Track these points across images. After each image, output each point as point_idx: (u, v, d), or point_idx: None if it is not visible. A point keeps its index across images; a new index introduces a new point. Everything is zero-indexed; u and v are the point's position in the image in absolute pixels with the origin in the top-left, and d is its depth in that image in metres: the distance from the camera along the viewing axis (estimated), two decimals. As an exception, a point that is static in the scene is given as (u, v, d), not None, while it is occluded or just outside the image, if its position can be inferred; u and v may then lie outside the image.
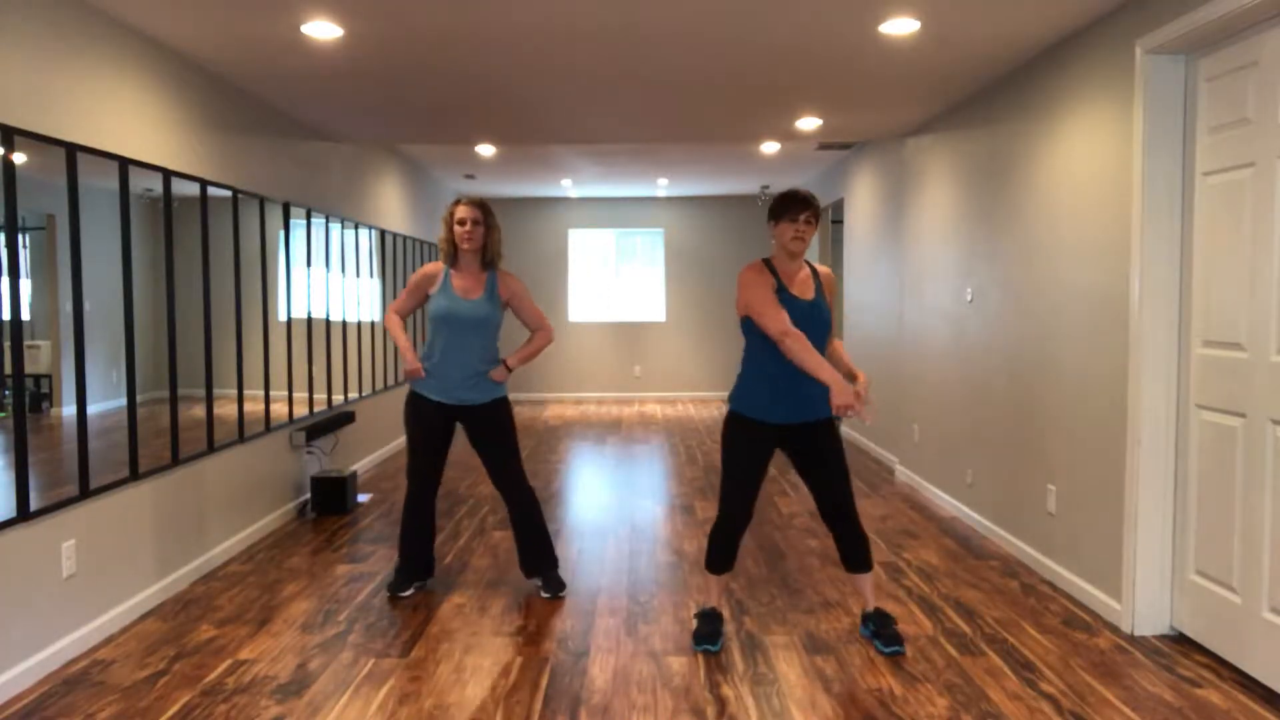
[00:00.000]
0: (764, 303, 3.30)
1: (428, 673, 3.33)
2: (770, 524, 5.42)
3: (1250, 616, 3.17)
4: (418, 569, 4.16)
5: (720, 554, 3.55)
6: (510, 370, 4.01)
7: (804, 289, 3.45)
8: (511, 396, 12.03)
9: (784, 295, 3.39)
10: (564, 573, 4.37)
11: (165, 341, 4.24)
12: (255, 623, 3.83)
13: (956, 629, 3.72)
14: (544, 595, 4.12)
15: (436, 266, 4.04)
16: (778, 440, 3.48)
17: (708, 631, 3.54)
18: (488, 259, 4.01)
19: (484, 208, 3.97)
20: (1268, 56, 3.06)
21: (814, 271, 3.53)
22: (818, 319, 3.42)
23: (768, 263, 3.46)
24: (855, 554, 3.53)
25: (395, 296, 8.00)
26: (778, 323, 3.26)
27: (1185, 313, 3.52)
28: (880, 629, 3.53)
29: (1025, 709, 3.01)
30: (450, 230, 3.95)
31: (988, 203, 5.15)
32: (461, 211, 3.93)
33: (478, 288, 4.00)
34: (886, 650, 3.47)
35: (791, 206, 3.37)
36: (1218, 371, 3.34)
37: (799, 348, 3.22)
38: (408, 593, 4.13)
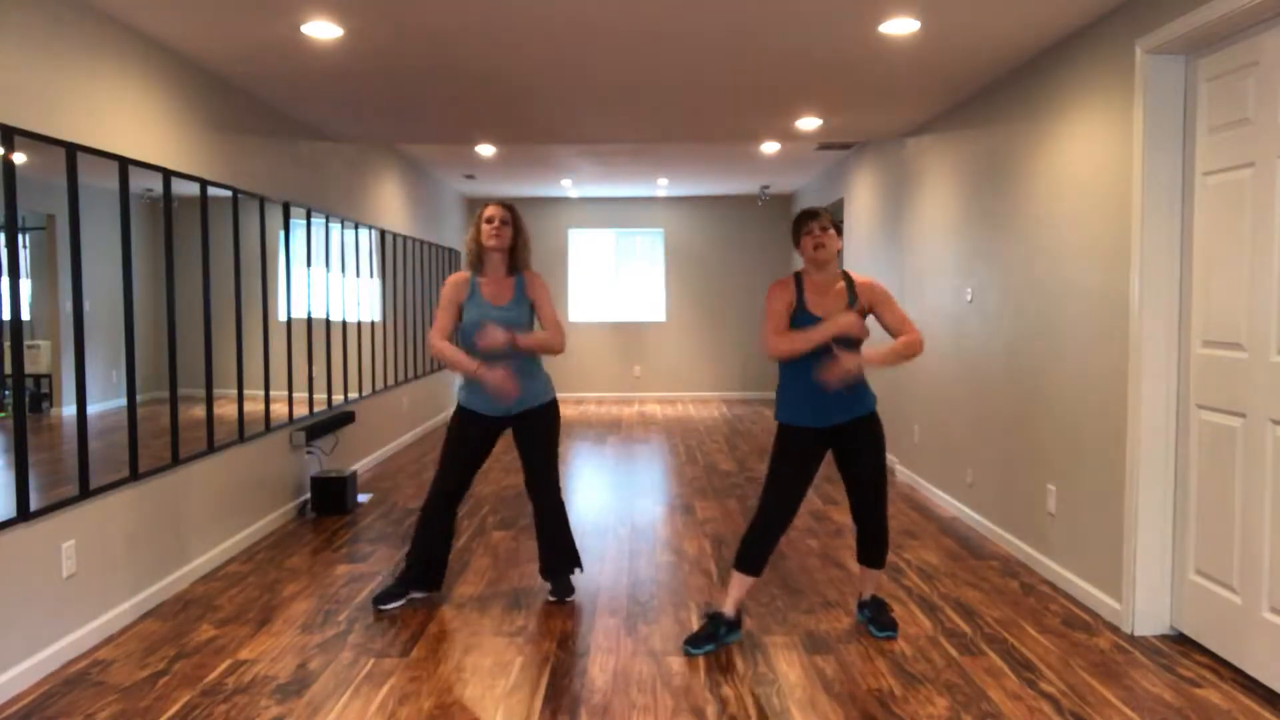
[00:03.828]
0: (766, 321, 3.48)
1: (428, 673, 3.33)
2: (770, 524, 5.42)
3: (1250, 616, 3.17)
4: (421, 579, 4.02)
5: (755, 553, 3.49)
6: (515, 343, 3.78)
7: (832, 304, 3.47)
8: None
9: (801, 312, 3.46)
10: (564, 573, 4.37)
11: (165, 341, 4.24)
12: (255, 623, 3.83)
13: (956, 629, 3.72)
14: (550, 599, 4.08)
15: (463, 275, 3.96)
16: (823, 444, 3.54)
17: (703, 635, 3.51)
18: (514, 263, 3.95)
19: (513, 210, 3.95)
20: (1268, 56, 3.06)
21: (851, 285, 3.52)
22: (844, 336, 3.40)
23: (798, 276, 3.54)
24: (873, 551, 3.66)
25: (395, 297, 8.01)
26: (767, 341, 3.47)
27: (1185, 313, 3.52)
28: (876, 614, 3.68)
29: (1025, 709, 3.01)
30: (478, 229, 3.90)
31: (988, 203, 5.15)
32: (490, 210, 3.90)
33: (506, 292, 3.92)
34: (880, 634, 3.62)
35: (804, 221, 3.50)
36: (1218, 371, 3.34)
37: (784, 344, 3.40)
38: (398, 604, 3.99)
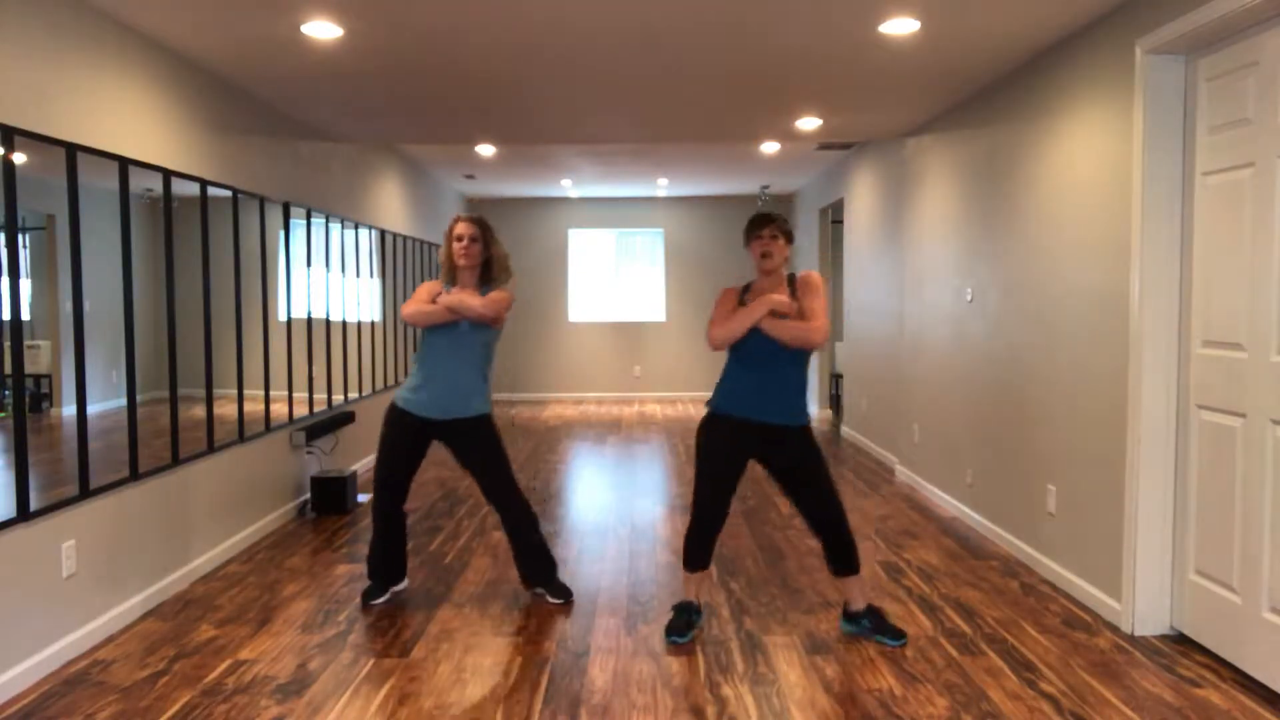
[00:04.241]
0: (714, 319, 3.55)
1: (428, 673, 3.33)
2: (770, 524, 5.42)
3: (1250, 616, 3.17)
4: (390, 575, 4.09)
5: (694, 552, 3.62)
6: (437, 300, 3.83)
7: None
8: (511, 396, 12.04)
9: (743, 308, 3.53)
10: (564, 573, 4.36)
11: (165, 341, 4.24)
12: (255, 623, 3.83)
13: (956, 629, 3.72)
14: (551, 601, 4.07)
15: (437, 284, 3.99)
16: (751, 445, 3.54)
17: (681, 624, 3.61)
18: (488, 277, 3.97)
19: (482, 225, 3.95)
20: (1268, 56, 3.06)
21: (792, 283, 3.57)
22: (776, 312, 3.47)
23: (748, 287, 3.62)
24: (844, 555, 3.60)
25: (395, 297, 8.02)
26: (709, 332, 3.52)
27: (1185, 313, 3.52)
28: (879, 624, 3.60)
29: (1025, 709, 3.01)
30: (449, 245, 3.93)
31: (988, 203, 5.15)
32: (460, 228, 3.91)
33: None
34: (894, 644, 3.54)
35: (754, 226, 3.56)
36: (1218, 371, 3.34)
37: (723, 330, 3.47)
38: (383, 599, 4.06)
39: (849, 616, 3.68)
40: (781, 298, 3.45)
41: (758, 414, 3.49)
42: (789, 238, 3.55)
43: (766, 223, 3.53)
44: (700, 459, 3.58)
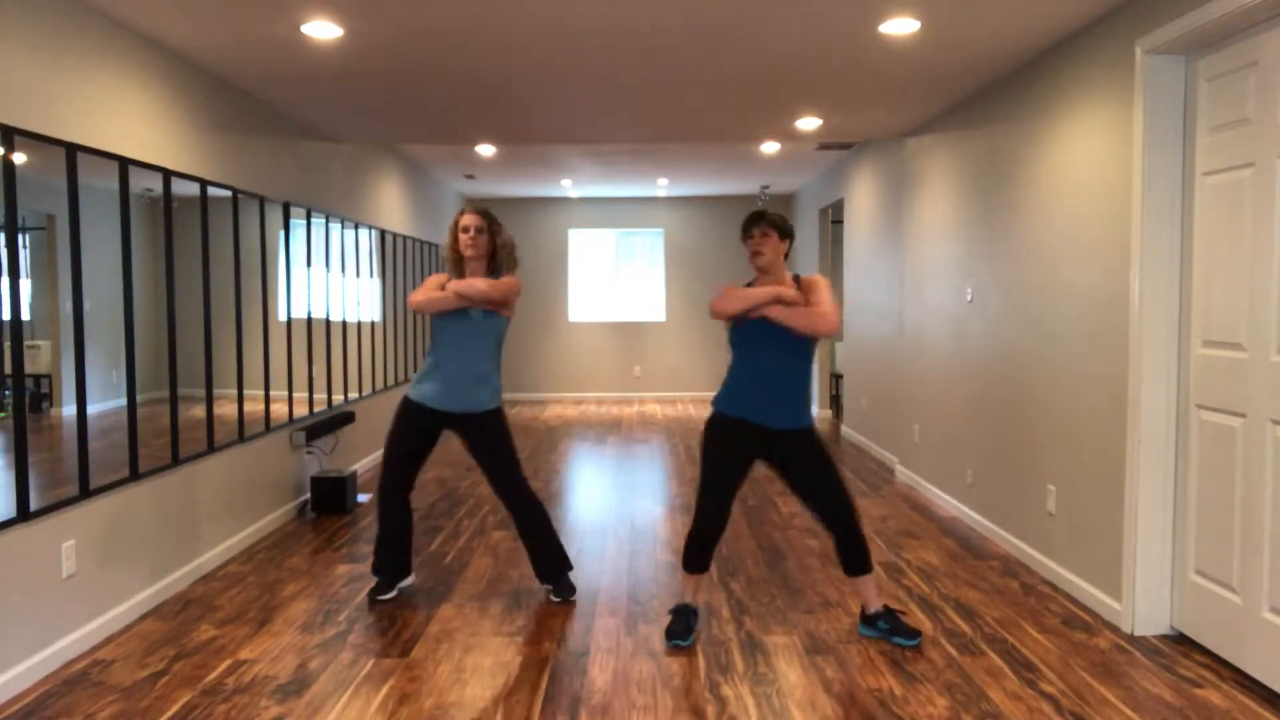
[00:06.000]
0: (716, 298, 3.57)
1: (428, 673, 3.33)
2: (770, 524, 5.42)
3: (1250, 616, 3.17)
4: (397, 571, 4.13)
5: (694, 555, 3.59)
6: (475, 287, 3.82)
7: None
8: (511, 396, 12.03)
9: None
10: (564, 573, 4.37)
11: (165, 341, 4.24)
12: (255, 623, 3.83)
13: (956, 629, 3.72)
14: (554, 599, 4.09)
15: (444, 276, 4.02)
16: (759, 447, 3.53)
17: (680, 628, 3.59)
18: (494, 268, 3.99)
19: (488, 216, 3.97)
20: (1268, 56, 3.06)
21: (799, 285, 3.55)
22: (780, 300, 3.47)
23: (749, 285, 3.61)
24: (858, 556, 3.57)
25: (395, 297, 8.02)
26: (712, 304, 3.53)
27: (1185, 313, 3.52)
28: (894, 624, 3.58)
29: (1025, 709, 3.01)
30: (454, 238, 3.95)
31: (988, 203, 5.15)
32: (466, 219, 3.93)
33: None
34: (907, 644, 3.52)
35: (745, 227, 3.57)
36: (1218, 371, 3.34)
37: (724, 302, 3.48)
38: (390, 595, 4.10)
39: (866, 620, 3.65)
40: (787, 290, 3.44)
41: (761, 418, 3.48)
42: (783, 233, 3.53)
43: (756, 221, 3.53)
44: (704, 460, 3.55)
